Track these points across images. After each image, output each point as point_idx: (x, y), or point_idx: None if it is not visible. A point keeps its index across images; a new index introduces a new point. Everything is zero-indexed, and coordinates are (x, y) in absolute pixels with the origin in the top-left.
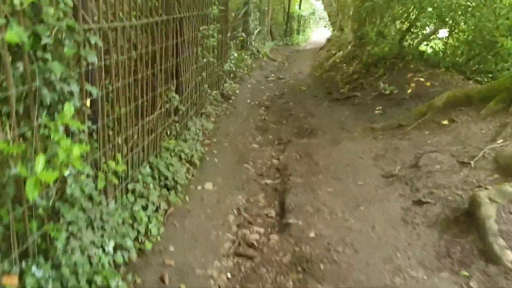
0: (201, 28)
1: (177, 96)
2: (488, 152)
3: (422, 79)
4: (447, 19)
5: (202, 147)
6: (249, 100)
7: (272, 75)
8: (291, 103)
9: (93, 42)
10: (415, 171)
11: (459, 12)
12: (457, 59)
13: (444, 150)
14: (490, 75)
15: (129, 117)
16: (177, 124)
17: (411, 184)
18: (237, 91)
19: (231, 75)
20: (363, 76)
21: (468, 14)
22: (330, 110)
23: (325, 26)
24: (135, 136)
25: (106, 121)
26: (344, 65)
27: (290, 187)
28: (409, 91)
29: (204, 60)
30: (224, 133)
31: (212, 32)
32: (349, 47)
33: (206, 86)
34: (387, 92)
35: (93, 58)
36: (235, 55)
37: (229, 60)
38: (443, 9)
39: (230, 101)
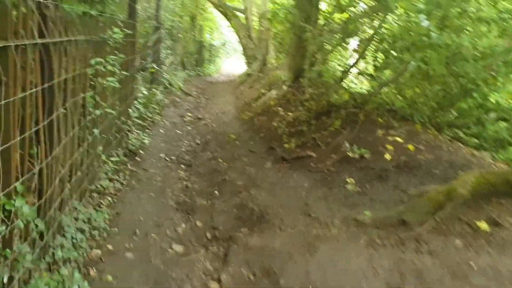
0: (93, 62)
1: (34, 212)
2: None
3: (399, 140)
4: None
5: (82, 278)
6: (163, 154)
7: (189, 114)
8: (220, 160)
9: None
10: None
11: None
12: (427, 110)
13: None
14: (469, 130)
15: None
16: (27, 255)
17: None
18: (147, 141)
19: (139, 121)
20: (313, 128)
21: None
22: (278, 176)
23: (242, 59)
24: None
25: None
26: (281, 109)
27: None
28: (388, 157)
29: (98, 112)
30: (127, 228)
31: (112, 67)
32: (284, 87)
33: (101, 148)
34: (355, 156)
35: None
36: (145, 92)
37: (136, 101)
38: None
39: (138, 158)
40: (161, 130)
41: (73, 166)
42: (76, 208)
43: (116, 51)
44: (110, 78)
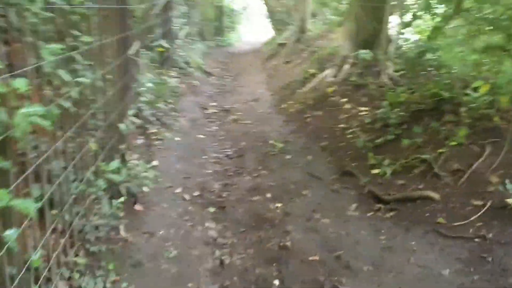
0: None
1: None
2: None
3: None
4: None
5: None
6: (180, 189)
7: (213, 103)
8: (268, 194)
9: None
10: None
11: None
12: None
13: None
14: None
15: None
16: None
17: None
18: (154, 164)
19: (140, 141)
20: (418, 141)
21: None
22: (380, 242)
23: (268, 24)
24: None
25: None
26: (345, 100)
27: None
28: None
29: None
30: None
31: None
32: (346, 66)
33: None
34: None
35: None
36: (150, 84)
37: (138, 98)
38: None
39: (139, 207)
40: (176, 138)
41: None
42: None
43: (74, 30)
44: (28, 109)
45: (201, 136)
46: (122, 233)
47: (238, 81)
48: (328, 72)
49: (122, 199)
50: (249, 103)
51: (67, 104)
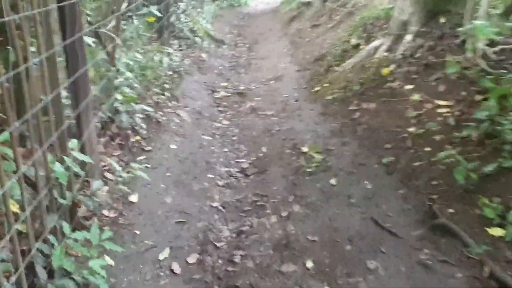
0: None
1: None
2: None
3: None
4: None
5: None
6: (167, 252)
7: (223, 84)
8: (309, 264)
9: None
10: None
11: None
12: None
13: None
14: None
15: None
16: None
17: None
18: (132, 199)
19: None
20: None
21: None
22: None
23: None
24: None
25: None
26: (411, 88)
27: None
28: None
29: None
30: None
31: None
32: (408, 36)
33: None
34: None
35: None
36: (130, 74)
37: (111, 100)
38: None
39: None
40: (171, 145)
41: None
42: None
43: None
44: None
45: (207, 138)
46: None
47: (255, 51)
48: (380, 43)
49: None
50: (270, 83)
51: None
